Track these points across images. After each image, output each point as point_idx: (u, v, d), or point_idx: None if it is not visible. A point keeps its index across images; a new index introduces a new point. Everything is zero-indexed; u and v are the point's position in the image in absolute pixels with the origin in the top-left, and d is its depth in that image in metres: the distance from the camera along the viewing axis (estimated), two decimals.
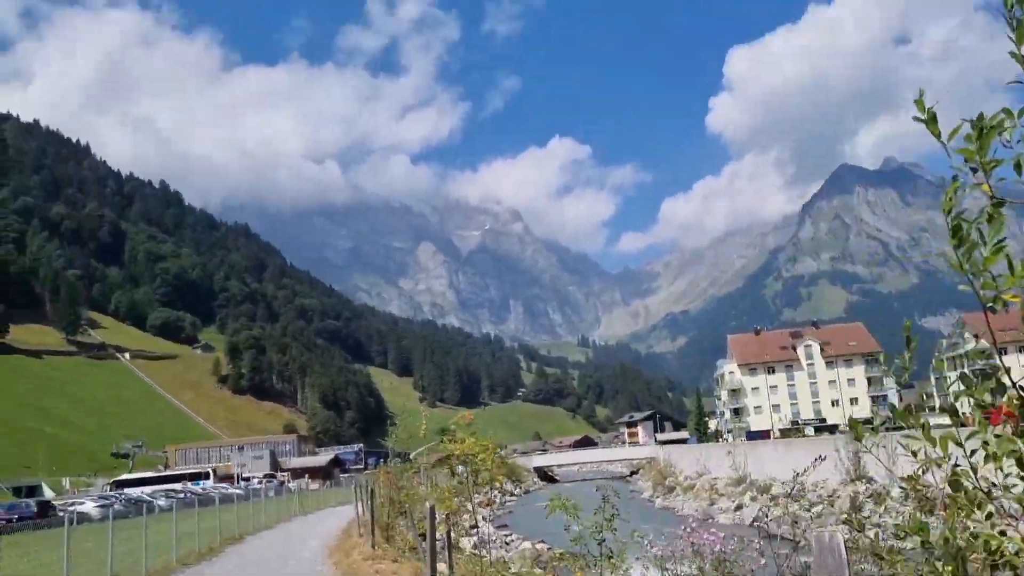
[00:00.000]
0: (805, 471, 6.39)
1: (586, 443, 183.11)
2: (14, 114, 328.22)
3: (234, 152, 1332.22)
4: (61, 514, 40.09)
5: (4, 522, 34.78)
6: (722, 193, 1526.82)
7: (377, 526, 17.32)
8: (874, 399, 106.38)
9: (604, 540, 6.12)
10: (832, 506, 26.84)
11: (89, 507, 41.53)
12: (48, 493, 76.07)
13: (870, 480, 25.76)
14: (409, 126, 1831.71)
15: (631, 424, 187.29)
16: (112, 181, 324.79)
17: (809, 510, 27.89)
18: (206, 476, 74.22)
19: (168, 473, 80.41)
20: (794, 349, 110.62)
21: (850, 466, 28.24)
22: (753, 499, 32.70)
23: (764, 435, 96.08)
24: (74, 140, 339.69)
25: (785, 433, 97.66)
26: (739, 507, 32.09)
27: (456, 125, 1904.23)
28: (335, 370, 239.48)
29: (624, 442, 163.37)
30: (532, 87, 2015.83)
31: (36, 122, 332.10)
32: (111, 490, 63.15)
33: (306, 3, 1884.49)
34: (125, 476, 77.03)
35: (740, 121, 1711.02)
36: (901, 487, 24.76)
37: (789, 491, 31.86)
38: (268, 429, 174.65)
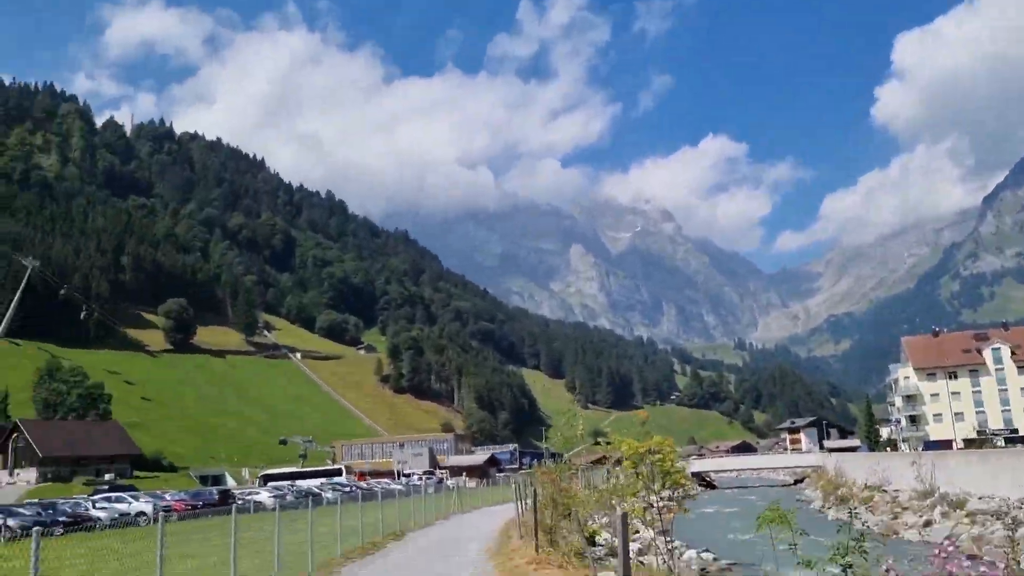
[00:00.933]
0: None
1: (744, 449, 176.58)
2: (200, 133, 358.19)
3: (392, 161, 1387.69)
4: (240, 502, 42.76)
5: (190, 508, 37.41)
6: (890, 187, 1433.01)
7: (540, 528, 16.89)
8: None
9: (851, 566, 5.14)
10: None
11: (264, 497, 43.98)
12: (230, 482, 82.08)
13: None
14: (559, 129, 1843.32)
15: (793, 430, 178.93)
16: (283, 192, 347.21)
17: (1015, 530, 25.15)
18: (338, 472, 76.97)
19: (308, 469, 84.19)
20: (979, 352, 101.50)
21: None
22: (944, 515, 29.93)
23: (945, 445, 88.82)
24: (251, 155, 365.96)
25: (969, 444, 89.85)
26: (928, 523, 29.44)
27: (606, 127, 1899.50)
28: (489, 371, 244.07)
29: (785, 449, 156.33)
30: (684, 85, 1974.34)
31: (219, 140, 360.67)
32: (259, 484, 66.81)
33: (461, 14, 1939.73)
34: (271, 471, 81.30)
35: (910, 111, 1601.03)
36: None
37: (999, 508, 28.89)
38: (426, 427, 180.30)
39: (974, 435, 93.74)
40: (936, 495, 33.55)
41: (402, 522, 27.34)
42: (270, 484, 63.22)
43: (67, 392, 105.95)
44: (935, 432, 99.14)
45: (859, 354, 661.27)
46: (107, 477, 75.96)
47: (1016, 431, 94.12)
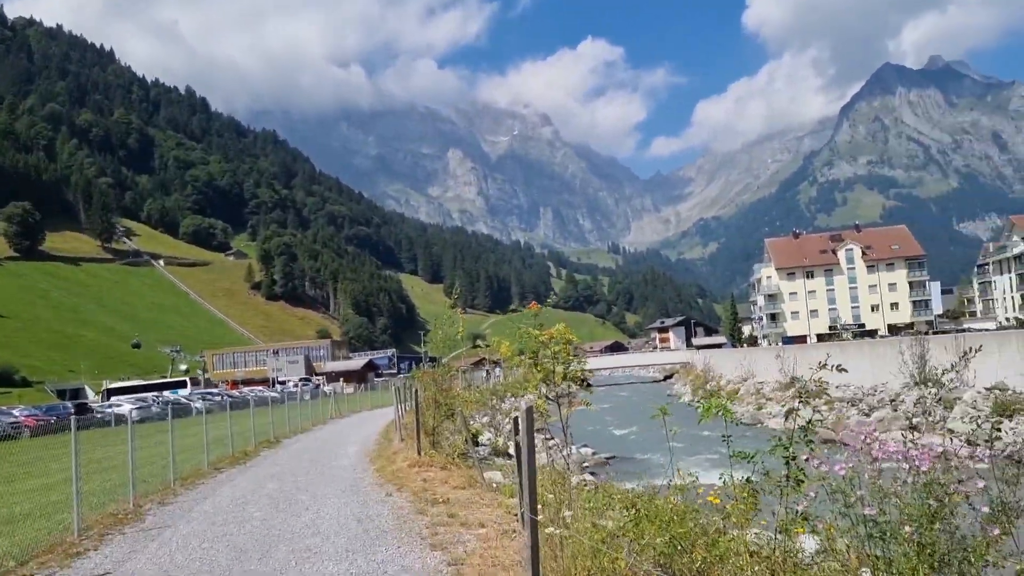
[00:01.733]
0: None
1: (616, 348, 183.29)
2: (38, 19, 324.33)
3: (258, 58, 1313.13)
4: (99, 415, 40.21)
5: (42, 423, 34.78)
6: (758, 95, 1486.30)
7: (422, 431, 16.22)
8: (915, 304, 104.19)
9: (794, 458, 4.60)
10: (896, 411, 25.59)
11: (126, 409, 41.57)
12: (90, 396, 77.64)
13: (939, 384, 24.37)
14: (436, 28, 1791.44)
15: (663, 330, 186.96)
16: (138, 87, 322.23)
17: (869, 415, 26.68)
18: (183, 384, 72.98)
19: (156, 382, 79.51)
20: (834, 253, 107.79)
21: (914, 369, 26.81)
22: (804, 403, 31.52)
23: (800, 340, 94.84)
24: (98, 45, 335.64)
25: (822, 338, 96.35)
26: (790, 411, 30.94)
27: (483, 26, 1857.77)
28: (366, 276, 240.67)
29: (655, 347, 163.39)
30: None
31: (59, 27, 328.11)
32: (104, 399, 62.50)
33: None
34: (117, 384, 76.08)
35: (779, 17, 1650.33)
36: (981, 391, 23.23)
37: (854, 396, 30.62)
38: (301, 335, 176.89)
39: (826, 331, 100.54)
40: (797, 385, 35.38)
41: (277, 429, 26.23)
42: (113, 398, 59.82)
43: None
44: (792, 328, 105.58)
45: (725, 257, 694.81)
46: None
47: (863, 326, 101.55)
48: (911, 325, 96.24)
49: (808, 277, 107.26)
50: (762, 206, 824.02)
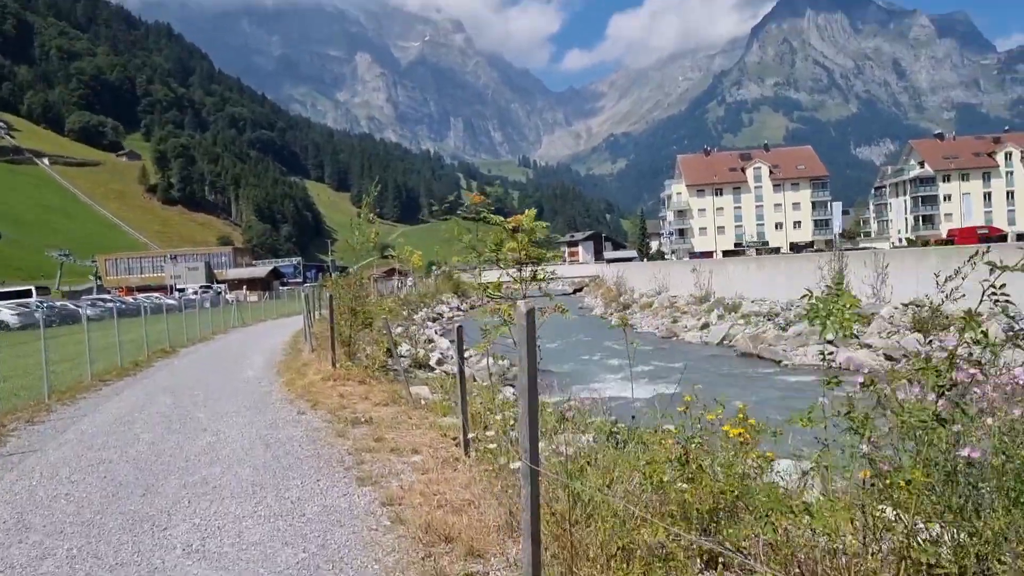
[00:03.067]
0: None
1: None
2: None
3: None
4: None
5: None
6: (672, 10, 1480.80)
7: (337, 341, 14.78)
8: (817, 223, 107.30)
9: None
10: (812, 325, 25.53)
11: (6, 315, 38.28)
12: None
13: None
14: None
15: (572, 244, 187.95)
16: None
17: (786, 329, 26.68)
18: (29, 294, 64.60)
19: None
20: (743, 171, 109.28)
21: (833, 284, 26.70)
22: (721, 318, 31.41)
23: (707, 255, 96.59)
24: None
25: (728, 254, 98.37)
26: (705, 326, 30.78)
27: None
28: (270, 182, 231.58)
29: (564, 261, 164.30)
30: None
31: None
32: None
33: None
34: None
35: None
36: (898, 307, 23.27)
37: (770, 310, 30.64)
38: (201, 241, 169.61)
39: (732, 247, 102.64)
40: (712, 299, 35.33)
41: (173, 338, 24.12)
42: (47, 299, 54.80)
43: None
44: (700, 244, 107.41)
45: (634, 173, 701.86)
46: None
47: (767, 243, 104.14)
48: (811, 244, 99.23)
49: (717, 194, 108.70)
50: (672, 124, 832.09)
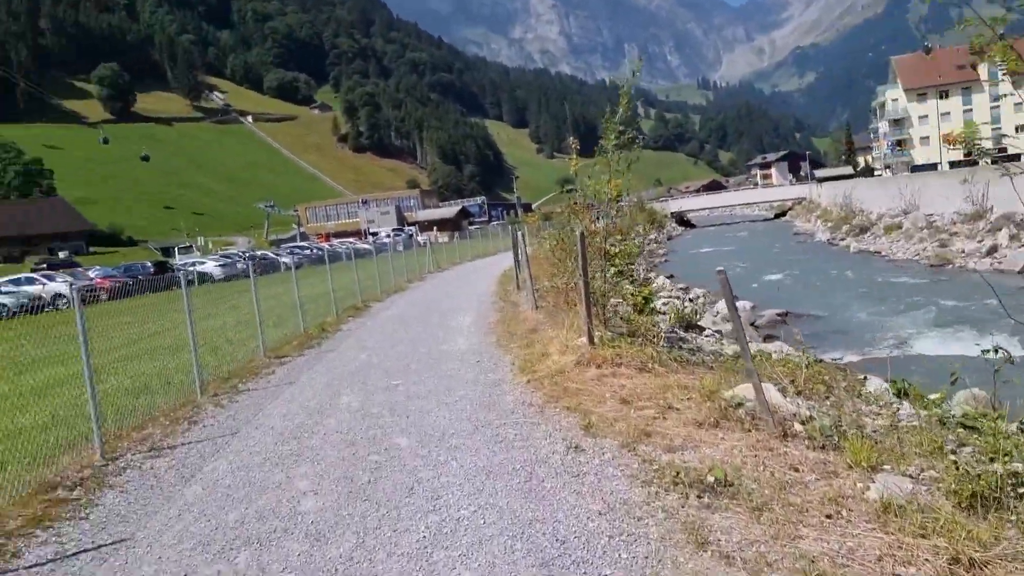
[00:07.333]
0: None
1: (714, 187, 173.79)
2: None
3: None
4: (179, 274, 37.64)
5: (119, 284, 32.10)
6: None
7: (592, 302, 9.47)
8: None
9: None
10: None
11: (210, 267, 39.09)
12: (194, 253, 76.40)
13: None
14: None
15: (765, 165, 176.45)
16: None
17: None
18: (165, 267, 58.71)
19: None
20: (974, 68, 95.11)
21: None
22: (1013, 238, 25.67)
23: (931, 169, 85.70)
24: None
25: (955, 166, 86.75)
26: (993, 249, 25.24)
27: None
28: (451, 124, 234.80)
29: (756, 184, 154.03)
30: None
31: None
32: (32, 269, 49.77)
33: None
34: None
35: None
36: None
37: None
38: (391, 186, 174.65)
39: (962, 157, 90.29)
40: (993, 217, 29.24)
41: (365, 291, 21.39)
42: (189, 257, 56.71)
43: (2, 170, 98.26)
44: (921, 156, 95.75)
45: (825, 86, 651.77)
46: (61, 256, 69.77)
47: (1004, 150, 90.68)
48: None
49: (942, 97, 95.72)
50: (867, 29, 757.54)
